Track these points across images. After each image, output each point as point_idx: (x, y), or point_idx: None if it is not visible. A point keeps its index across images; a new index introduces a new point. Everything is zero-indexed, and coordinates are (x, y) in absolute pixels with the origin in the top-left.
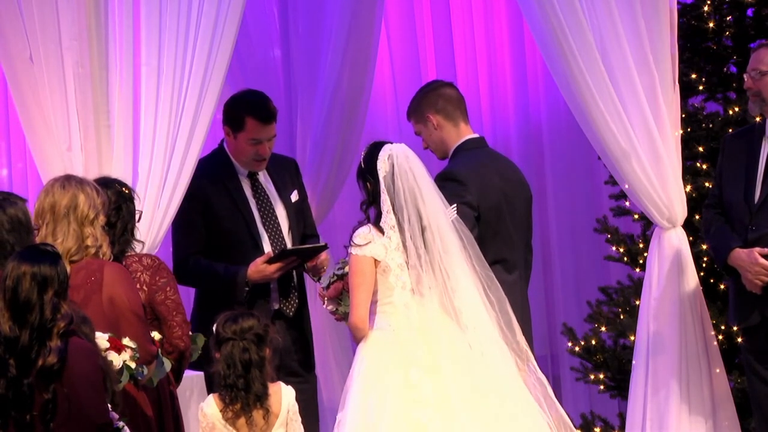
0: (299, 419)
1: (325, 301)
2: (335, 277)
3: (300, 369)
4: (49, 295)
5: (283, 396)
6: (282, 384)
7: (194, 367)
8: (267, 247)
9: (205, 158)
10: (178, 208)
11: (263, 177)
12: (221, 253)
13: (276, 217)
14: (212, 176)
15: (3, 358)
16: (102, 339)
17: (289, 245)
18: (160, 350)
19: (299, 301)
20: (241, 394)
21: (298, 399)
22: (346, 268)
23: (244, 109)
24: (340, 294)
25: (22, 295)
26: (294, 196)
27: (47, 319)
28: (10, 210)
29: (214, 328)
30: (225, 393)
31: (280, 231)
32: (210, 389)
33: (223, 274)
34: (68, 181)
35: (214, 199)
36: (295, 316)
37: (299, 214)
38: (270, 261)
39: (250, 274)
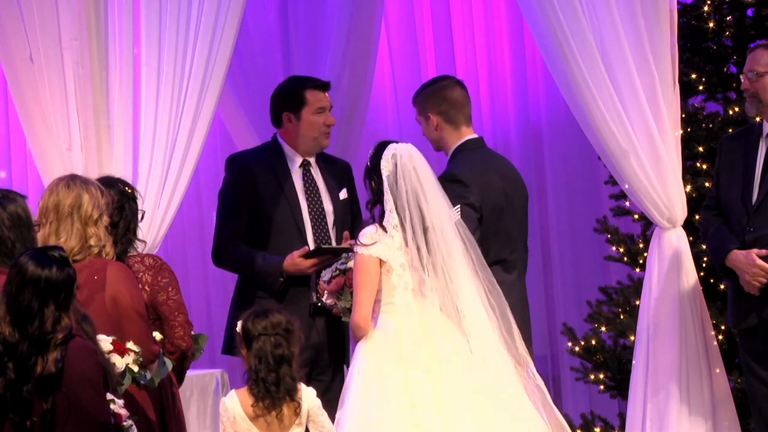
0: (325, 413)
1: (325, 295)
2: (338, 272)
3: (333, 365)
4: (50, 308)
5: (304, 397)
6: (303, 385)
7: (230, 352)
8: (311, 238)
9: (257, 148)
10: (178, 208)
11: (315, 170)
12: (265, 241)
13: (323, 210)
14: (263, 165)
15: (2, 360)
16: (105, 342)
17: (332, 238)
18: (161, 350)
19: None
20: (272, 388)
21: (327, 396)
22: (349, 264)
23: (300, 85)
24: (341, 289)
25: (23, 305)
26: (343, 194)
27: (47, 332)
28: (10, 207)
29: (239, 326)
30: (255, 388)
31: (326, 223)
32: None
33: (260, 263)
34: (73, 180)
35: (261, 187)
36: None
37: (347, 212)
38: (306, 256)
39: (286, 267)
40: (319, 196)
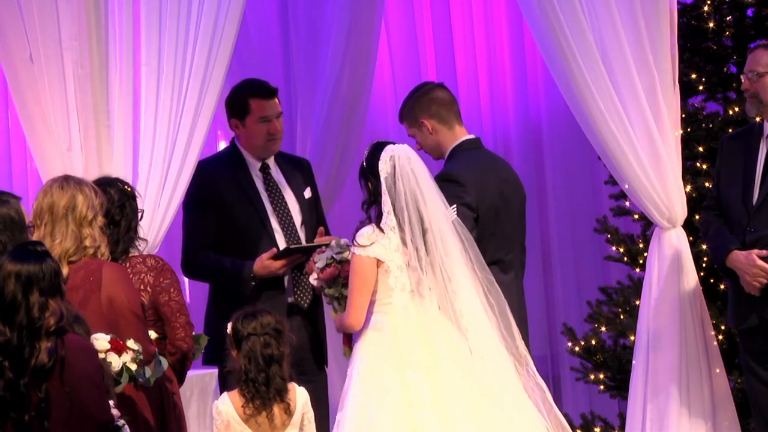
0: (313, 422)
1: (312, 277)
2: (332, 260)
3: (313, 366)
4: (35, 295)
5: (298, 397)
6: (296, 385)
7: (210, 362)
8: (281, 240)
9: (217, 155)
10: (178, 207)
11: (275, 172)
12: (235, 247)
13: (288, 210)
14: (224, 171)
15: None
16: (103, 340)
17: (302, 238)
18: (157, 349)
19: (314, 293)
20: (262, 389)
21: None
22: (346, 254)
23: (244, 93)
24: (334, 279)
25: (7, 297)
26: (307, 193)
27: (35, 318)
28: (2, 209)
29: (229, 327)
30: (245, 388)
31: (293, 224)
32: (224, 387)
33: (230, 269)
34: (67, 181)
35: (226, 194)
36: (310, 310)
37: (312, 209)
38: (275, 257)
39: (257, 270)
40: (283, 197)
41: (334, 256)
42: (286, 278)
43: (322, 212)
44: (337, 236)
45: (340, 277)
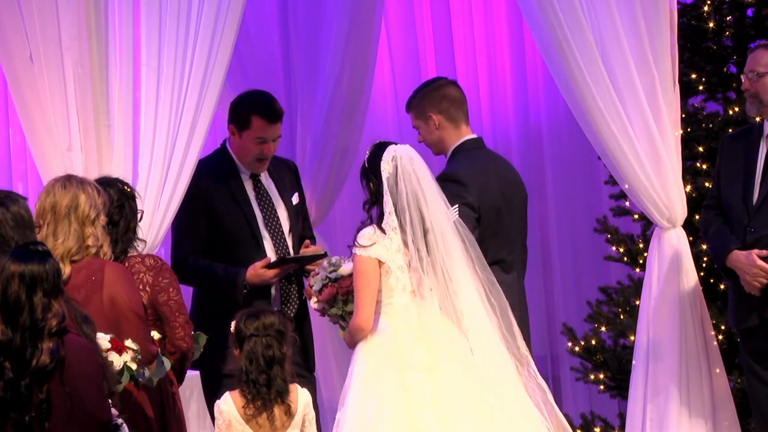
0: (314, 423)
1: (313, 301)
2: (328, 280)
3: (301, 370)
4: (38, 296)
5: (300, 398)
6: (297, 386)
7: (192, 366)
8: (269, 248)
9: (207, 158)
10: (178, 208)
11: (265, 178)
12: (223, 252)
13: (278, 218)
14: (215, 176)
15: None
16: (104, 340)
17: (289, 246)
18: (159, 350)
19: (300, 302)
20: (263, 390)
21: None
22: (340, 270)
23: (251, 108)
24: (334, 298)
25: (11, 297)
26: (295, 199)
27: (38, 319)
28: (13, 207)
29: (233, 326)
30: (246, 389)
31: (282, 232)
32: (206, 388)
33: (222, 275)
34: (69, 181)
35: (216, 199)
36: (297, 317)
37: (299, 216)
38: (269, 266)
39: (249, 278)
40: (273, 205)
41: (328, 275)
42: (273, 287)
43: (307, 215)
44: (334, 237)
45: (338, 295)
